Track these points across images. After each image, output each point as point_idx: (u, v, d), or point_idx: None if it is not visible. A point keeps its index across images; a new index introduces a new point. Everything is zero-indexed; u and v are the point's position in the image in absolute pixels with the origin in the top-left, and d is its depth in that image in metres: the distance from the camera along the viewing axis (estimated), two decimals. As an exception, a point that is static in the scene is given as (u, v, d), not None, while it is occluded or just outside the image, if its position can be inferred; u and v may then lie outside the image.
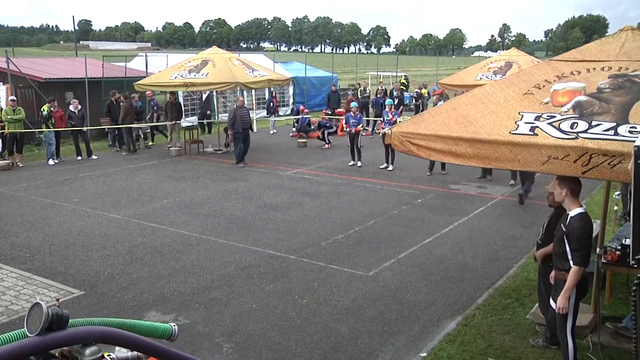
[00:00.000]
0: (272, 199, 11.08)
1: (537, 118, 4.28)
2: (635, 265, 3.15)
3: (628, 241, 4.54)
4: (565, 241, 4.49)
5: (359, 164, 14.37)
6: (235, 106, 14.88)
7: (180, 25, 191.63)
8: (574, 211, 4.50)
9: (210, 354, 5.26)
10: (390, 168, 13.85)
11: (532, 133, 4.14)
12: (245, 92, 21.41)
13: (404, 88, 26.45)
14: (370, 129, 19.78)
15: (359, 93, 24.25)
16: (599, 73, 4.56)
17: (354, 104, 15.29)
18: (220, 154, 16.60)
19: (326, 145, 17.59)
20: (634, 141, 3.25)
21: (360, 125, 14.75)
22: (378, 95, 20.88)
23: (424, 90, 25.05)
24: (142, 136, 17.90)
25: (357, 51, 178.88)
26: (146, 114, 18.40)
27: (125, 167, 14.50)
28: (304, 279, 7.03)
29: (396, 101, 18.79)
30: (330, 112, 22.02)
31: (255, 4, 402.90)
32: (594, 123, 4.04)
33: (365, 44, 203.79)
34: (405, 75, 35.52)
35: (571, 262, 4.45)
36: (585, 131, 3.99)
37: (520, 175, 11.38)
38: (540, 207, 9.87)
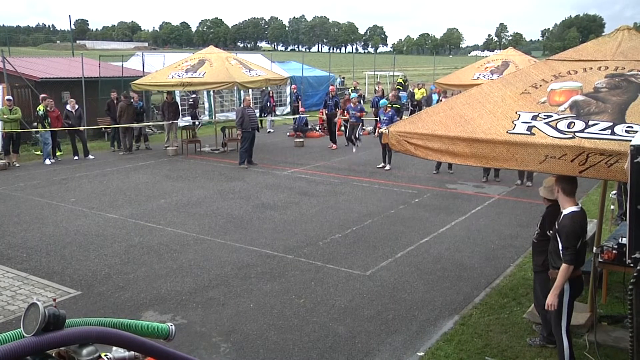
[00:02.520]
0: (269, 199, 11.07)
1: (534, 117, 4.29)
2: (632, 264, 3.16)
3: (624, 240, 4.56)
4: (558, 239, 4.55)
5: (354, 149, 14.43)
6: (242, 106, 14.87)
7: (177, 25, 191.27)
8: (566, 210, 4.56)
9: (208, 353, 5.25)
10: (387, 167, 13.85)
11: (529, 132, 4.15)
12: (242, 92, 21.41)
13: (401, 88, 26.40)
14: (369, 129, 19.74)
15: (350, 92, 24.27)
16: (595, 72, 4.57)
17: (353, 95, 15.22)
18: (218, 153, 16.58)
19: (334, 146, 17.33)
20: (631, 140, 3.26)
21: (364, 112, 14.82)
22: (376, 95, 20.96)
23: (421, 90, 24.77)
24: (142, 136, 17.75)
25: (354, 51, 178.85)
26: (149, 114, 18.46)
27: (122, 166, 14.47)
28: (301, 279, 7.03)
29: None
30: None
31: (252, 4, 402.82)
32: (590, 122, 4.05)
33: (362, 43, 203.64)
34: (403, 75, 35.47)
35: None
36: (582, 130, 4.00)
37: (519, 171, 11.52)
38: (537, 206, 9.89)
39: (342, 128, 18.16)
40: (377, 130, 15.46)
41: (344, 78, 35.67)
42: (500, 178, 12.62)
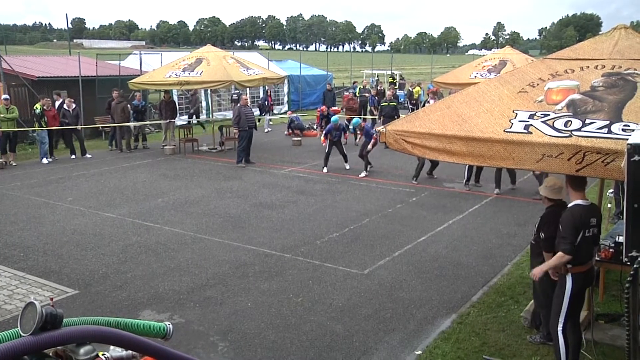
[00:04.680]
0: (266, 198, 11.07)
1: (531, 116, 4.30)
2: (628, 263, 3.16)
3: (621, 239, 4.57)
4: (560, 229, 4.60)
5: (347, 166, 13.77)
6: (239, 105, 14.85)
7: (175, 24, 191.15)
8: (572, 202, 4.65)
9: (205, 352, 5.25)
10: (363, 174, 13.01)
11: (526, 131, 4.16)
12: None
13: (395, 87, 26.33)
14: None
15: (358, 91, 24.22)
16: (592, 71, 4.58)
17: (334, 119, 14.02)
18: (215, 152, 16.57)
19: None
20: (627, 139, 3.26)
21: (346, 133, 14.58)
22: (373, 94, 21.01)
23: (416, 89, 24.80)
24: (141, 135, 17.65)
25: (352, 50, 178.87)
26: (149, 113, 18.47)
27: (119, 165, 14.45)
28: (298, 278, 7.03)
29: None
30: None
31: (250, 3, 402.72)
32: (587, 121, 4.06)
33: (359, 42, 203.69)
34: (392, 74, 34.98)
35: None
36: (579, 129, 4.01)
37: (511, 177, 11.57)
38: (535, 205, 9.92)
39: (322, 143, 18.13)
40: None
41: (377, 77, 32.57)
42: (481, 184, 12.05)
